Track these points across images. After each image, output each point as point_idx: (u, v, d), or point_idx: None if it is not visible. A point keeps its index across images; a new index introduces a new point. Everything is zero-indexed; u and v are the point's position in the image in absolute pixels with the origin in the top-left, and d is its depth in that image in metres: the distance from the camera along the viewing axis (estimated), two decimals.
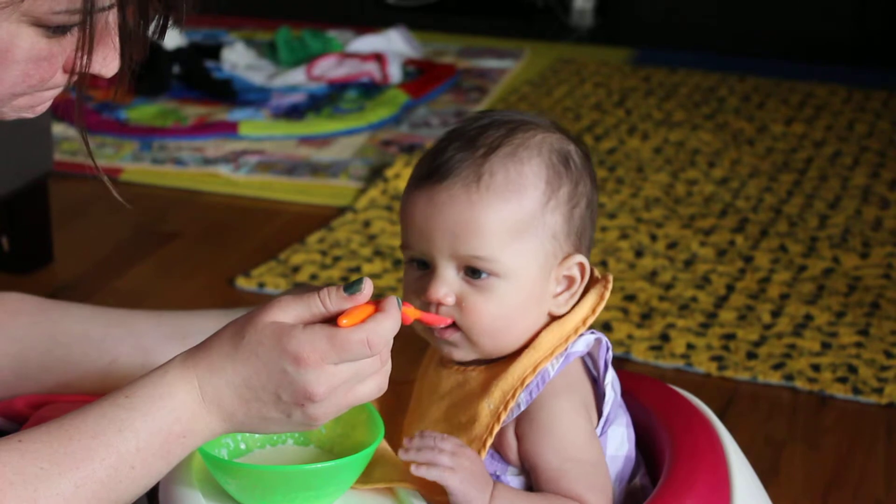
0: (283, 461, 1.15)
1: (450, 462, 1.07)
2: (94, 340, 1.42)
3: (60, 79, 0.95)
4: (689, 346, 2.08)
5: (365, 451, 1.10)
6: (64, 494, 0.97)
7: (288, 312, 1.04)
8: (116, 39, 0.95)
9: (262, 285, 2.27)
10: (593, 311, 1.16)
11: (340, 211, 2.64)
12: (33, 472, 0.97)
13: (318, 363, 1.01)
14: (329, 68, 3.40)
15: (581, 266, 1.16)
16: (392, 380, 1.25)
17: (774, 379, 2.00)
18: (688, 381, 1.92)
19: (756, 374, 2.00)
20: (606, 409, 1.17)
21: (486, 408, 1.13)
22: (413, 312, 1.12)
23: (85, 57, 0.93)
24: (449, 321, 1.14)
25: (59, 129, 2.96)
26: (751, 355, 2.06)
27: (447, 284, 1.13)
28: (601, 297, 1.17)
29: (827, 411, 1.93)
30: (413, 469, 1.07)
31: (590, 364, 1.19)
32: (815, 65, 3.72)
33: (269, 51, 3.61)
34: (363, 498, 1.13)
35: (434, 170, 1.15)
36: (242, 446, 1.17)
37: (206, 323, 1.45)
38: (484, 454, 1.12)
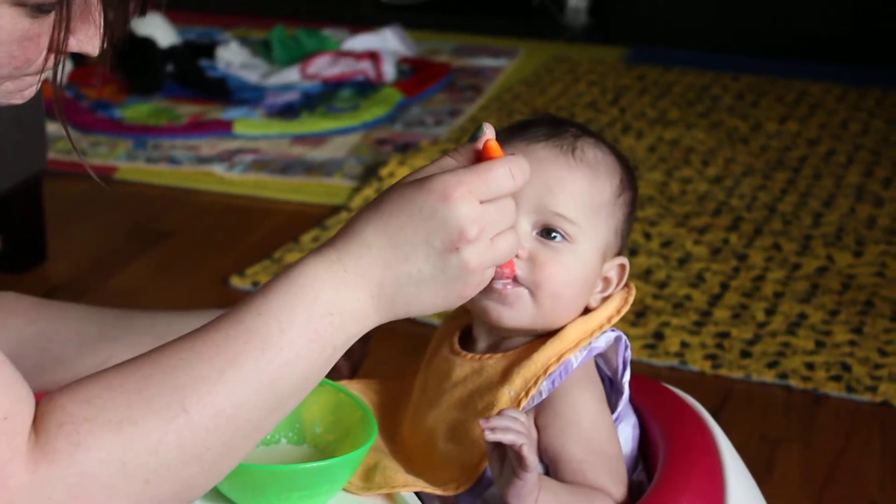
0: (277, 461, 1.15)
1: (524, 430, 1.06)
2: (88, 340, 1.42)
3: (46, 59, 0.95)
4: (684, 345, 2.08)
5: (358, 451, 1.10)
6: (208, 379, 0.92)
7: (422, 173, 1.01)
8: (97, 16, 0.95)
9: (256, 284, 2.27)
10: (618, 311, 1.19)
11: (335, 210, 2.64)
12: (172, 363, 0.93)
13: (466, 196, 0.96)
14: (323, 67, 3.40)
15: (621, 268, 1.19)
16: (385, 376, 1.25)
17: (769, 377, 2.00)
18: (682, 380, 1.92)
19: (750, 373, 2.01)
20: (620, 407, 1.18)
21: (506, 394, 1.13)
22: None
23: (63, 34, 0.92)
24: (515, 271, 1.13)
25: (53, 127, 2.95)
26: (745, 354, 2.06)
27: (523, 236, 1.14)
28: (625, 300, 1.19)
29: (821, 410, 1.93)
30: (488, 435, 1.04)
31: (600, 363, 1.20)
32: (809, 63, 3.73)
33: (263, 49, 3.61)
34: (360, 500, 1.13)
35: (522, 131, 1.19)
36: None
37: (201, 323, 1.45)
38: None
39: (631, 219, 1.21)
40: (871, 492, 1.74)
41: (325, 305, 0.97)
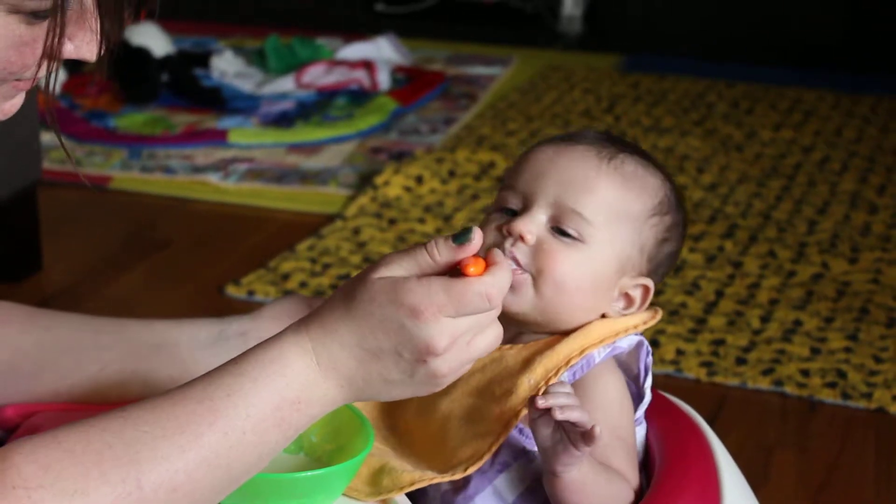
0: (273, 469, 1.15)
1: (577, 402, 1.07)
2: (84, 349, 1.42)
3: (40, 65, 0.95)
4: (679, 352, 2.08)
5: (354, 460, 1.10)
6: (168, 457, 0.93)
7: (395, 268, 1.00)
8: (94, 22, 0.95)
9: (251, 293, 2.27)
10: (644, 322, 1.19)
11: (330, 219, 2.64)
12: (135, 435, 0.93)
13: (436, 315, 0.97)
14: (318, 76, 3.41)
15: (645, 289, 1.19)
16: None
17: (764, 384, 2.00)
18: (677, 387, 1.92)
19: (746, 380, 2.01)
20: (640, 411, 1.19)
21: (525, 382, 1.13)
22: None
23: (57, 40, 0.92)
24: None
25: (47, 137, 2.96)
26: (740, 361, 2.06)
27: (535, 224, 1.15)
28: (652, 316, 1.20)
29: (816, 416, 1.93)
30: (558, 414, 1.05)
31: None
32: (803, 70, 3.73)
33: (258, 58, 3.61)
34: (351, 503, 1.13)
35: (570, 137, 1.20)
36: None
37: (196, 331, 1.45)
38: (515, 423, 1.12)
39: (666, 246, 1.20)
40: (866, 498, 1.74)
41: (295, 393, 0.98)
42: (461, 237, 1.01)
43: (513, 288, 1.12)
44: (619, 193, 1.16)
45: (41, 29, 0.92)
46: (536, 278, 1.14)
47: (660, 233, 1.19)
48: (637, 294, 1.19)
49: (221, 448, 0.95)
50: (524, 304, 1.15)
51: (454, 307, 0.98)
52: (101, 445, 0.92)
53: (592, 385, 1.15)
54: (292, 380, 0.98)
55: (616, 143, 1.20)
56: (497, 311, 1.02)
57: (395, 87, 3.42)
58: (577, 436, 1.05)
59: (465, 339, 0.99)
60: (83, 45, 0.95)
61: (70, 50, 0.95)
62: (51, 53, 0.93)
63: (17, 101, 0.98)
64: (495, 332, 1.02)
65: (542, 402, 1.06)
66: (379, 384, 1.00)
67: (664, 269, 1.21)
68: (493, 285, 0.99)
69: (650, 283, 1.19)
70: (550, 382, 1.12)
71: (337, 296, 1.01)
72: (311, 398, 0.99)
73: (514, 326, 1.18)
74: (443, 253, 1.01)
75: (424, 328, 0.97)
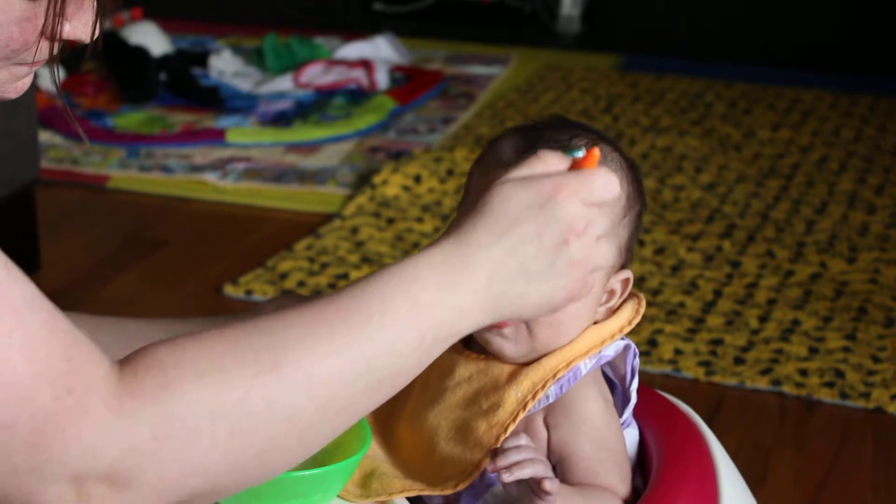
0: None
1: (533, 454, 1.06)
2: None
3: (41, 46, 0.95)
4: (677, 352, 2.08)
5: (351, 459, 1.10)
6: (303, 344, 0.93)
7: (513, 174, 1.01)
8: (90, 3, 0.95)
9: (249, 293, 2.27)
10: (630, 322, 1.19)
11: (328, 218, 2.64)
12: (270, 327, 0.93)
13: (573, 195, 0.98)
14: (316, 75, 3.41)
15: (625, 282, 1.19)
16: None
17: (762, 384, 2.00)
18: (675, 387, 1.93)
19: (744, 380, 2.01)
20: (627, 414, 1.19)
21: (513, 395, 1.13)
22: None
23: (58, 18, 0.92)
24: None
25: (45, 136, 2.96)
26: (738, 360, 2.06)
27: None
28: (636, 311, 1.19)
29: (814, 416, 1.93)
30: (506, 476, 1.04)
31: (607, 369, 1.20)
32: (801, 70, 3.73)
33: (256, 58, 3.61)
34: None
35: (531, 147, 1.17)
36: None
37: (194, 330, 1.45)
38: (504, 438, 1.11)
39: (638, 232, 1.20)
40: (864, 498, 1.75)
41: (429, 295, 0.96)
42: (573, 149, 1.03)
43: (507, 337, 1.13)
44: None
45: (40, 6, 0.92)
46: (531, 325, 1.13)
47: (632, 226, 1.18)
48: (618, 286, 1.19)
49: (357, 341, 0.94)
50: (522, 349, 1.15)
51: (586, 190, 0.99)
52: (235, 335, 0.93)
53: (574, 400, 1.15)
54: (425, 284, 0.96)
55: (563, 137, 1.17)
56: (605, 225, 1.03)
57: (394, 86, 3.42)
58: (535, 486, 1.04)
59: (593, 231, 1.00)
60: (79, 25, 0.95)
61: (67, 30, 0.95)
62: (52, 33, 0.93)
63: (28, 80, 0.98)
64: (614, 245, 1.08)
65: (490, 468, 1.05)
66: (518, 282, 0.98)
67: (633, 247, 1.21)
68: (614, 175, 1.01)
69: (630, 274, 1.19)
70: (537, 396, 1.12)
71: (463, 211, 1.01)
72: (447, 301, 0.97)
73: None
74: (550, 159, 1.02)
75: (564, 206, 0.98)
